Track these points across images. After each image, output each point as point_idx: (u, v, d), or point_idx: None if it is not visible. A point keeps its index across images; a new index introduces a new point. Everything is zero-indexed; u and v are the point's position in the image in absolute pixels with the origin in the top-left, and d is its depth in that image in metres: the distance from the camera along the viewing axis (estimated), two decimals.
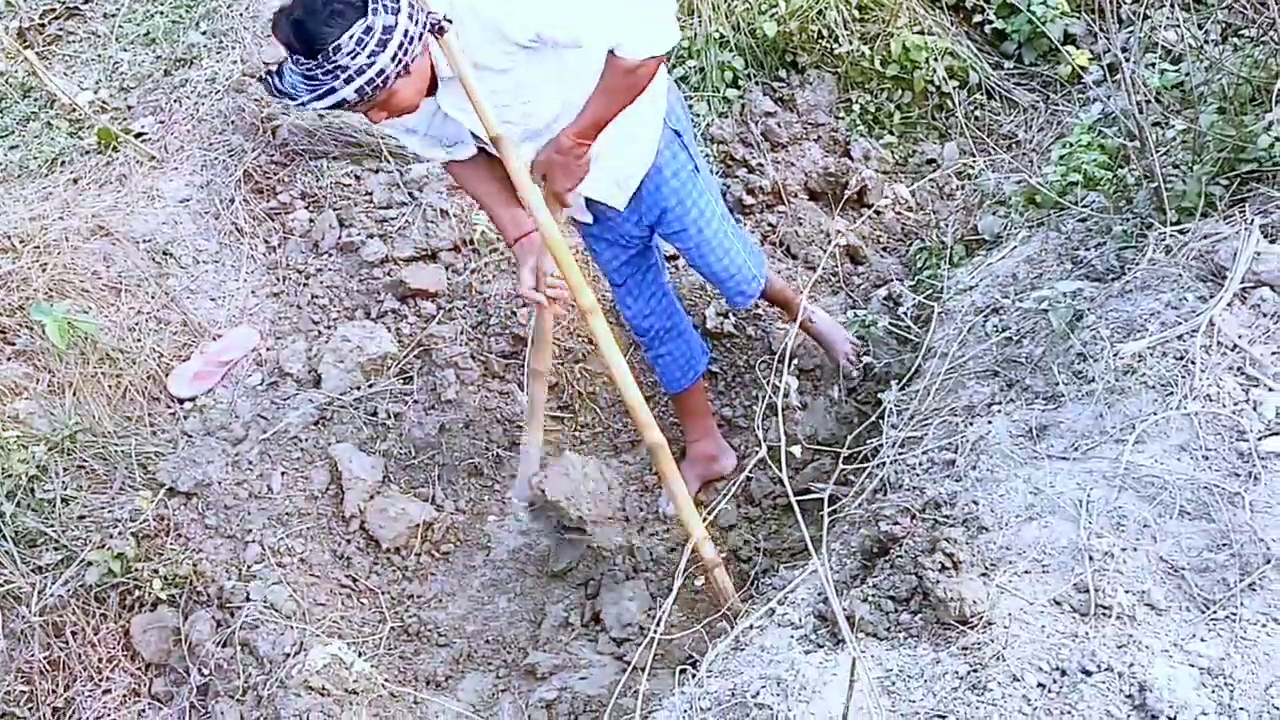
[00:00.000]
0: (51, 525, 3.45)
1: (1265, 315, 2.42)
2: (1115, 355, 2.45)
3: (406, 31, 2.55)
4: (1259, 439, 2.19)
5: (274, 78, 2.63)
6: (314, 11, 2.53)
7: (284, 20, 2.56)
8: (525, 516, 3.42)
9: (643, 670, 3.18)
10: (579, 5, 2.66)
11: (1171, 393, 2.33)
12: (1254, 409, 2.25)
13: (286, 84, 2.60)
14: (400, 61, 2.57)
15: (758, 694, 2.13)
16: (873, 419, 3.37)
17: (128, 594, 3.38)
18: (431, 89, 2.81)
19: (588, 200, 3.15)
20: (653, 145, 2.99)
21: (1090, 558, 2.13)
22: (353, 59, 2.53)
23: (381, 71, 2.57)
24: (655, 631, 2.32)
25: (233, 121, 4.46)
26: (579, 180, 2.94)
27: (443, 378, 3.78)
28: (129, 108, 4.80)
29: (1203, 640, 1.94)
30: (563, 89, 2.82)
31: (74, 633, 3.36)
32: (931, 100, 4.49)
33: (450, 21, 2.64)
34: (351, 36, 2.51)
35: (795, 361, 3.84)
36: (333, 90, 2.57)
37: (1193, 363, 2.35)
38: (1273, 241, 2.54)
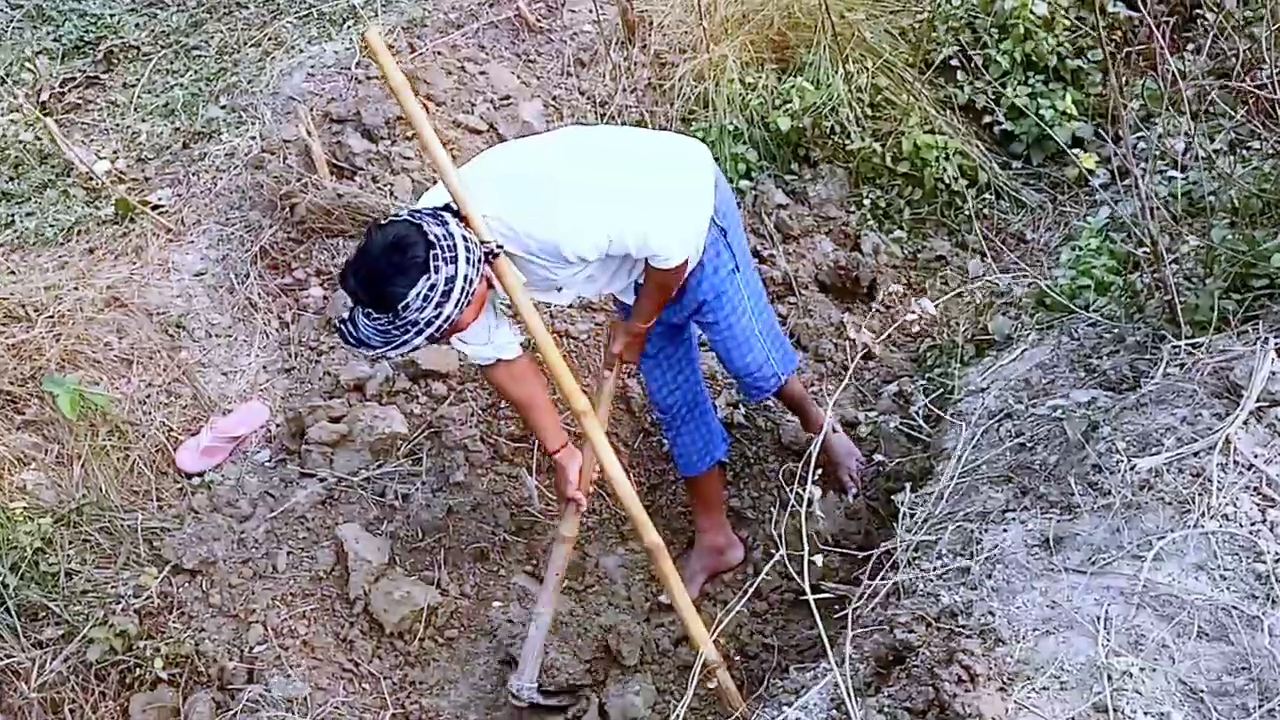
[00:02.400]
0: (54, 599, 3.43)
1: None
2: (1132, 469, 2.46)
3: (467, 276, 2.69)
4: (1276, 561, 2.20)
5: (348, 326, 2.77)
6: (377, 270, 2.67)
7: (352, 278, 2.72)
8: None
9: None
10: (624, 223, 2.83)
11: (1188, 510, 2.35)
12: (1270, 530, 2.27)
13: (361, 334, 2.74)
14: (461, 304, 2.71)
15: None
16: (885, 520, 3.39)
17: (128, 672, 3.36)
18: None
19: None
20: (699, 242, 3.06)
21: (1109, 676, 2.13)
22: (421, 313, 2.67)
23: (448, 318, 2.70)
24: None
25: (250, 197, 4.52)
26: (641, 350, 3.29)
27: (452, 460, 3.78)
28: (146, 179, 4.86)
29: None
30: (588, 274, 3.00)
31: (72, 710, 3.33)
32: (941, 198, 4.56)
33: (501, 248, 2.78)
34: (418, 294, 2.64)
35: (804, 453, 3.86)
36: (406, 343, 2.71)
37: (1209, 481, 2.37)
38: None
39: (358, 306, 2.73)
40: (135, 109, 5.26)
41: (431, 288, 2.64)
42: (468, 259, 2.69)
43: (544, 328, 2.92)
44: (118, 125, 5.22)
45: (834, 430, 3.71)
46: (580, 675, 3.34)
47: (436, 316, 2.67)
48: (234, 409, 4.00)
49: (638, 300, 3.14)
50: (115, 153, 5.11)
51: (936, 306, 4.19)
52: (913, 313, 3.27)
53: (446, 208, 2.79)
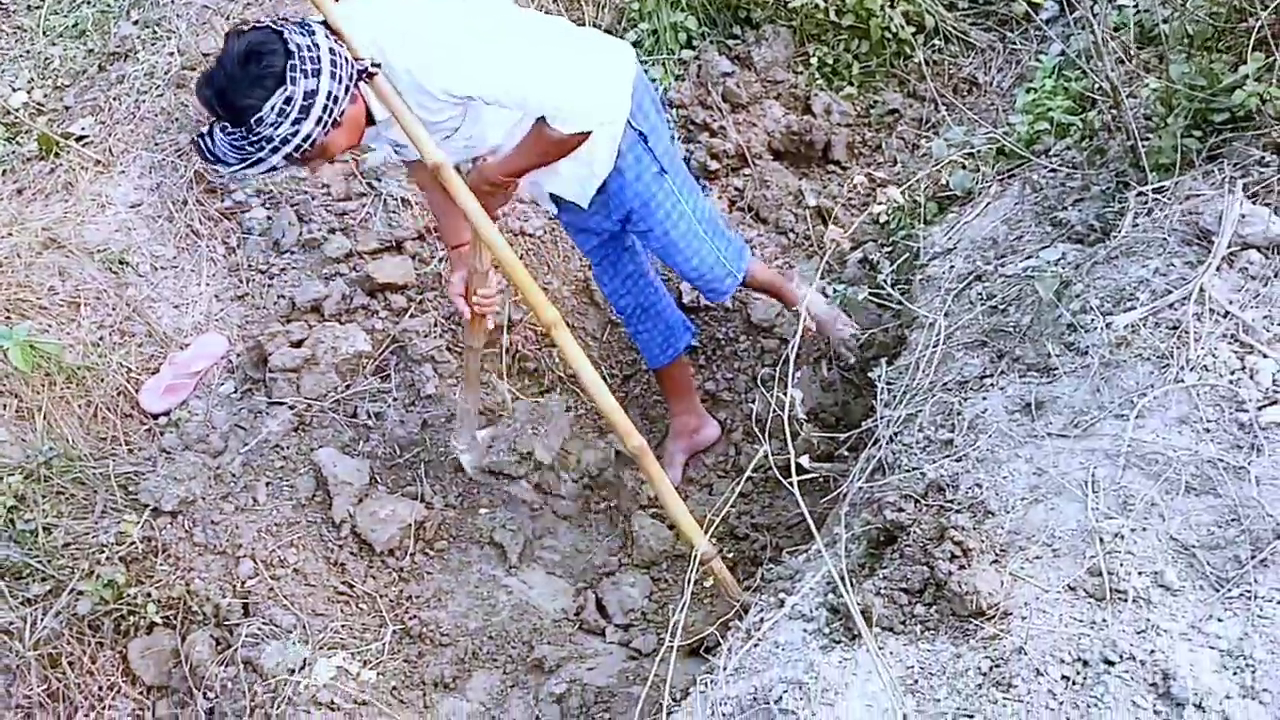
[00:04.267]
0: (36, 556, 3.38)
1: (1254, 279, 2.43)
2: (1108, 327, 2.45)
3: (330, 92, 2.53)
4: (1258, 409, 2.20)
5: (205, 141, 2.62)
6: (235, 81, 2.50)
7: (206, 88, 2.54)
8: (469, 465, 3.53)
9: (649, 656, 3.22)
10: (504, 74, 2.65)
11: (1167, 365, 2.34)
12: (1251, 377, 2.27)
13: (218, 150, 2.59)
14: (325, 123, 2.55)
15: (780, 698, 2.14)
16: (861, 390, 3.38)
17: (122, 620, 3.33)
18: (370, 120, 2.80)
19: (554, 195, 3.12)
20: (612, 147, 2.95)
21: (1100, 540, 2.14)
22: (276, 129, 2.52)
23: (307, 136, 2.55)
24: (672, 641, 2.31)
25: (176, 119, 4.33)
26: (499, 207, 3.02)
27: (420, 373, 3.73)
28: (66, 108, 4.64)
29: (1220, 620, 1.97)
30: (507, 120, 2.82)
31: (71, 663, 3.31)
32: (889, 48, 4.44)
33: (379, 65, 2.60)
34: (273, 108, 2.49)
35: (775, 330, 3.84)
36: (260, 160, 2.57)
37: (1186, 332, 2.36)
38: (1255, 201, 2.54)
39: (217, 121, 2.58)
40: (44, 32, 5.00)
41: (288, 102, 2.49)
42: (333, 74, 2.53)
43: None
44: (28, 52, 4.96)
45: (816, 308, 3.59)
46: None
47: (294, 134, 2.53)
48: (191, 343, 3.91)
49: (513, 150, 2.88)
50: (30, 82, 4.87)
51: (894, 168, 4.12)
52: (880, 203, 3.20)
53: (318, 23, 2.62)
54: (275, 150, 2.55)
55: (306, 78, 2.50)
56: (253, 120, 2.50)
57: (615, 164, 3.01)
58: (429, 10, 2.71)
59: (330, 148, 2.66)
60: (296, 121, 2.52)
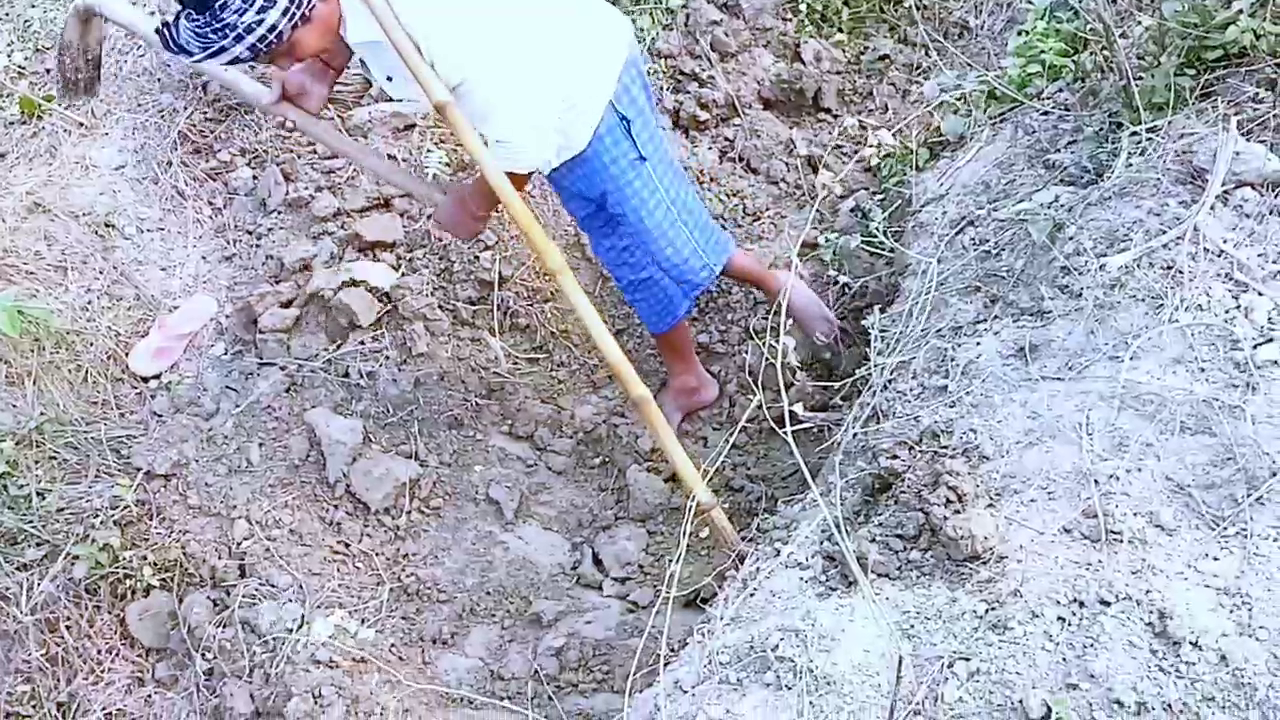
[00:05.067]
0: (30, 521, 3.37)
1: (1248, 217, 2.40)
2: (1101, 268, 2.42)
3: None
4: (1254, 347, 2.19)
5: (169, 31, 2.56)
6: None
7: None
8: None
9: (646, 608, 3.22)
10: (479, 94, 2.69)
11: (1162, 305, 2.32)
12: (1245, 316, 2.25)
13: (181, 39, 2.53)
14: (293, 15, 2.51)
15: (777, 646, 2.14)
16: (855, 339, 3.36)
17: (118, 583, 3.34)
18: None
19: None
20: (587, 124, 2.91)
21: (1095, 481, 2.14)
22: (240, 16, 2.48)
23: (273, 27, 2.51)
24: (669, 592, 2.31)
25: (159, 79, 4.27)
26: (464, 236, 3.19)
27: (411, 331, 3.70)
28: (47, 70, 4.57)
29: (1215, 559, 1.96)
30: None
31: (69, 627, 3.32)
32: None
33: None
34: None
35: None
36: (224, 49, 2.52)
37: (1180, 272, 2.34)
38: (1249, 138, 2.51)
39: (182, 10, 2.54)
40: None
41: None
42: None
43: (466, 123, 2.65)
44: (6, 15, 4.87)
45: (796, 300, 3.53)
46: None
47: (258, 24, 2.49)
48: (180, 305, 3.87)
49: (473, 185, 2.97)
50: (10, 45, 4.80)
51: (885, 114, 4.08)
52: (871, 146, 3.16)
53: None
54: (239, 39, 2.51)
55: None
56: (216, 5, 2.46)
57: (592, 144, 2.98)
58: None
59: (299, 47, 2.61)
60: (262, 9, 2.48)
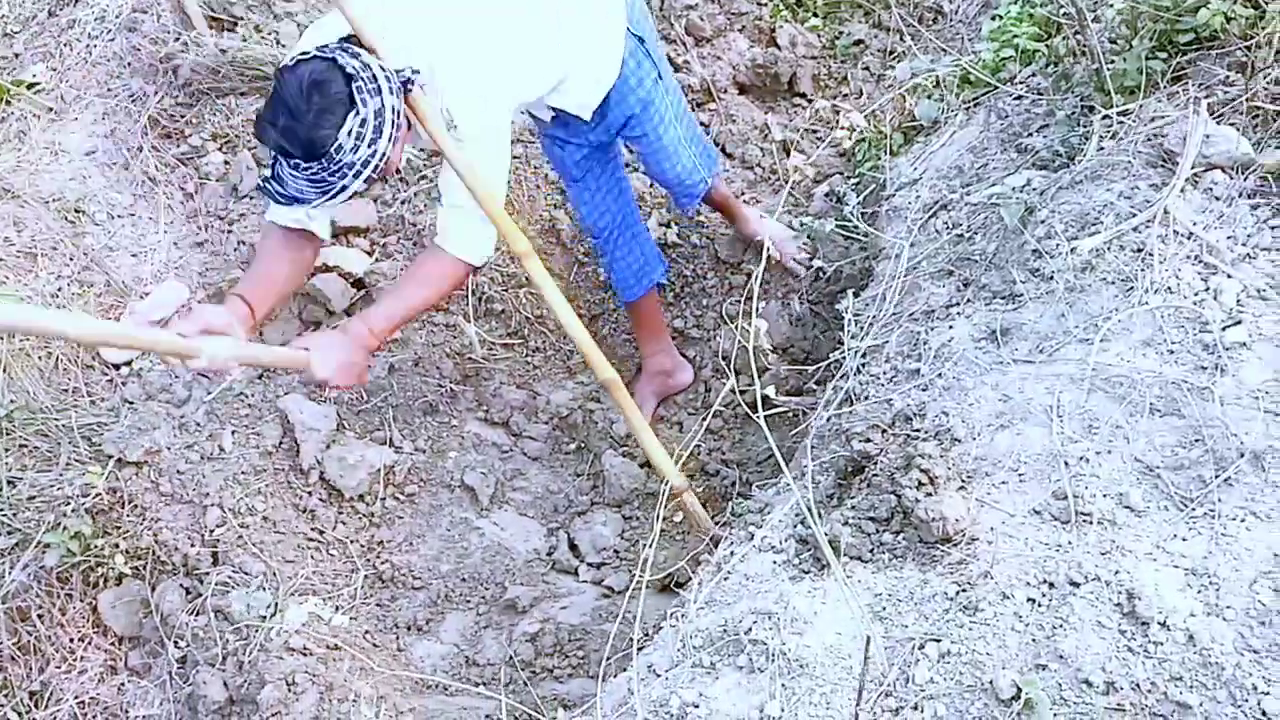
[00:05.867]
0: (1, 509, 3.34)
1: (1218, 199, 2.41)
2: (1072, 251, 2.43)
3: (393, 107, 2.51)
4: (1222, 329, 2.19)
5: (274, 185, 2.55)
6: (299, 115, 2.44)
7: (270, 129, 2.47)
8: None
9: (622, 593, 3.22)
10: (480, 156, 2.70)
11: (1132, 287, 2.33)
12: (1214, 298, 2.26)
13: (291, 190, 2.53)
14: (394, 138, 2.53)
15: (750, 629, 2.14)
16: (830, 324, 3.37)
17: (90, 571, 3.31)
18: None
19: (554, 109, 3.08)
20: (618, 56, 2.93)
21: (1066, 463, 2.14)
22: (355, 154, 2.48)
23: (383, 155, 2.53)
24: (642, 576, 2.31)
25: (129, 64, 4.23)
26: (354, 384, 2.81)
27: None
28: (16, 55, 4.53)
29: (1184, 540, 1.97)
30: None
31: (40, 615, 3.29)
32: None
33: (418, 72, 2.58)
34: (349, 133, 2.46)
35: (742, 265, 3.81)
36: (345, 188, 2.53)
37: (1150, 254, 2.34)
38: (1219, 121, 2.52)
39: (281, 160, 2.52)
40: None
41: (363, 124, 2.46)
42: (390, 88, 2.52)
43: (470, 165, 2.77)
44: None
45: (764, 219, 3.67)
46: None
47: (372, 155, 2.51)
48: (151, 291, 3.84)
49: (390, 294, 2.85)
50: None
51: (860, 99, 4.08)
52: (843, 128, 3.16)
53: (350, 39, 2.58)
54: (358, 175, 2.51)
55: (372, 97, 2.48)
56: (332, 149, 2.45)
57: (622, 70, 3.01)
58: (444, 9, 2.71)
59: (392, 163, 2.62)
60: (372, 142, 2.49)
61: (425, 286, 2.83)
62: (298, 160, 2.49)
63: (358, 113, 2.46)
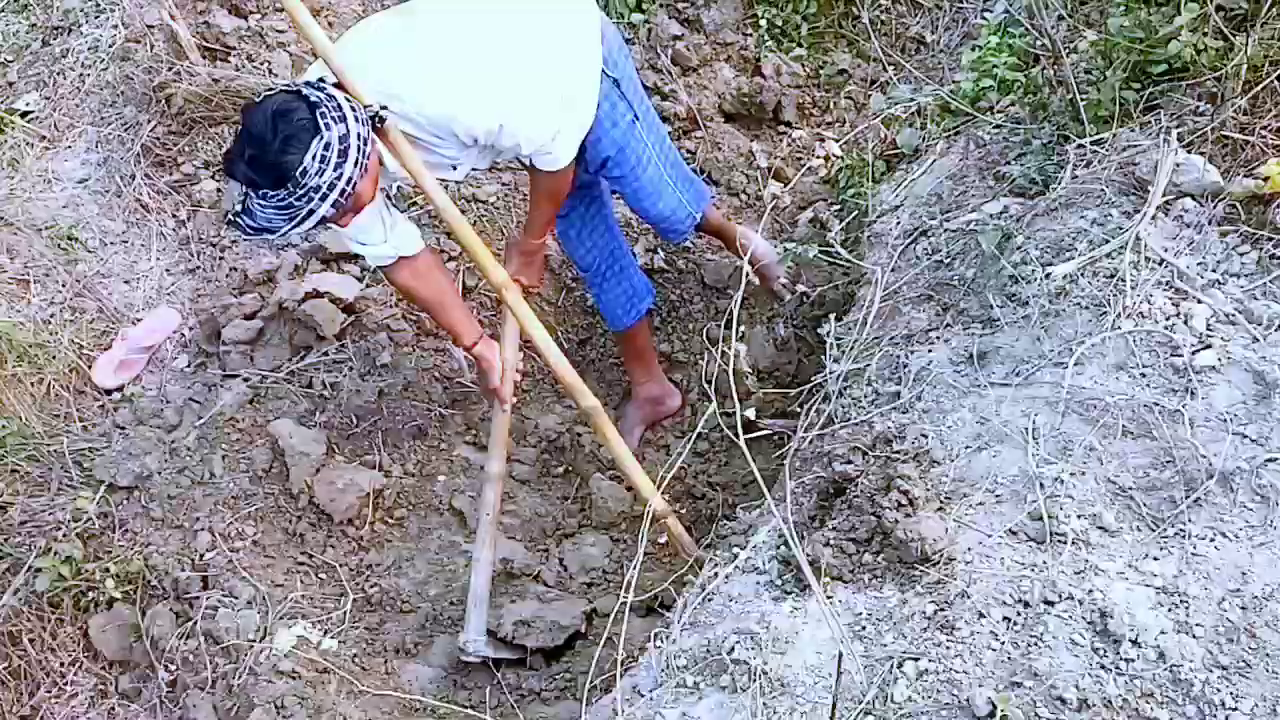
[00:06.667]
0: None
1: (1189, 226, 2.47)
2: (1047, 277, 2.48)
3: (358, 134, 2.57)
4: (1193, 353, 2.25)
5: (244, 219, 2.61)
6: (265, 144, 2.51)
7: (238, 162, 2.55)
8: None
9: (608, 616, 3.25)
10: (515, 119, 2.81)
11: (1105, 312, 2.38)
12: (1185, 323, 2.31)
13: (260, 220, 2.58)
14: (360, 164, 2.59)
15: (733, 649, 2.17)
16: (814, 348, 3.41)
17: (81, 595, 3.33)
18: None
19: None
20: (592, 101, 2.97)
21: (1041, 484, 2.19)
22: (320, 176, 2.53)
23: (349, 179, 2.58)
24: (626, 598, 2.34)
25: (122, 92, 4.28)
26: (543, 272, 3.26)
27: (376, 342, 3.73)
28: (10, 84, 4.58)
29: (1155, 559, 2.02)
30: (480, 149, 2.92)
31: (31, 640, 3.31)
32: (837, 9, 4.46)
33: (385, 108, 2.66)
34: (315, 157, 2.51)
35: (728, 290, 3.86)
36: (312, 212, 2.57)
37: (1123, 280, 2.40)
38: (1189, 150, 2.58)
39: (250, 192, 2.58)
40: None
41: (326, 147, 2.52)
42: (356, 117, 2.58)
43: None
44: None
45: (758, 248, 3.67)
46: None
47: (338, 178, 2.55)
48: (143, 318, 3.88)
49: (529, 214, 3.13)
50: None
51: (843, 128, 4.14)
52: (818, 157, 3.22)
53: (323, 80, 2.67)
54: (324, 198, 2.56)
55: (336, 123, 2.54)
56: (297, 174, 2.51)
57: (598, 114, 3.04)
58: (426, 50, 2.78)
59: (361, 196, 2.68)
60: (338, 165, 2.54)
61: (549, 200, 3.08)
62: (265, 189, 2.55)
63: (322, 136, 2.52)
